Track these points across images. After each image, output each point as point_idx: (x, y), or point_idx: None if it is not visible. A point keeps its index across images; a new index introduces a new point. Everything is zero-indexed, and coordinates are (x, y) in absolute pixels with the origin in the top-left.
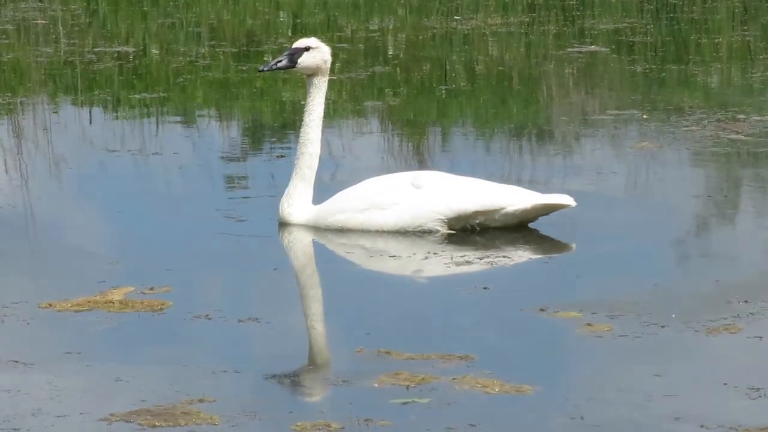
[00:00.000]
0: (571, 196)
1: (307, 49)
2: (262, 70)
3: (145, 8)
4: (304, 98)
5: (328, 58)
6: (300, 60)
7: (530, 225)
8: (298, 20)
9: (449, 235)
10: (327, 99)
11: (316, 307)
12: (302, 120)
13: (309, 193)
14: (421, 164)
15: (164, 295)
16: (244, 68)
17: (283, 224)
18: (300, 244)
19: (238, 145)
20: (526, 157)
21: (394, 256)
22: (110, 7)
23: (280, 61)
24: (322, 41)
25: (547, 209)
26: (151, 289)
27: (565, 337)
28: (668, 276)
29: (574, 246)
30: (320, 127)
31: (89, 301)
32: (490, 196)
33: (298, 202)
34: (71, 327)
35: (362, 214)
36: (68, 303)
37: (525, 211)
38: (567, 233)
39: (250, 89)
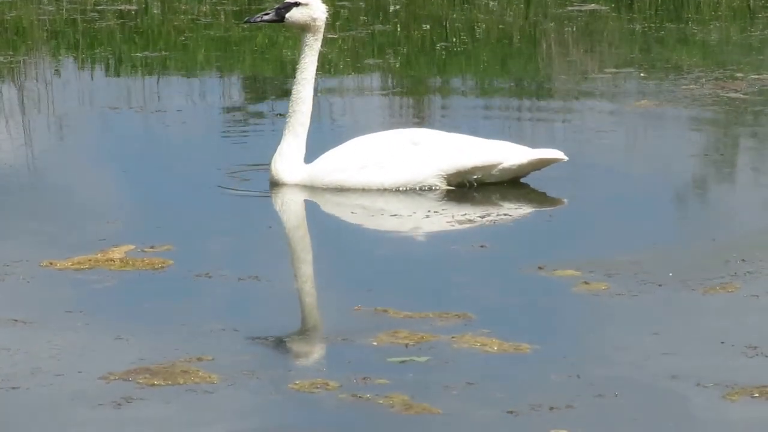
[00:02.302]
0: (570, 153)
1: (296, 4)
2: (248, 22)
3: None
4: None
5: (319, 15)
6: (288, 15)
7: (526, 180)
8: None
9: (448, 191)
10: (328, 57)
11: (314, 267)
12: (294, 78)
13: (301, 151)
14: (421, 122)
15: (165, 254)
16: (245, 26)
17: (276, 183)
18: (297, 203)
19: (239, 104)
20: (526, 115)
21: (394, 215)
22: None
23: (267, 14)
24: None
25: (541, 164)
26: (152, 247)
27: (563, 296)
28: (665, 234)
29: (572, 204)
30: (312, 85)
31: (90, 260)
32: (487, 152)
33: (290, 161)
34: (72, 285)
35: (361, 172)
36: (69, 261)
37: (521, 167)
38: (566, 191)
39: (251, 47)
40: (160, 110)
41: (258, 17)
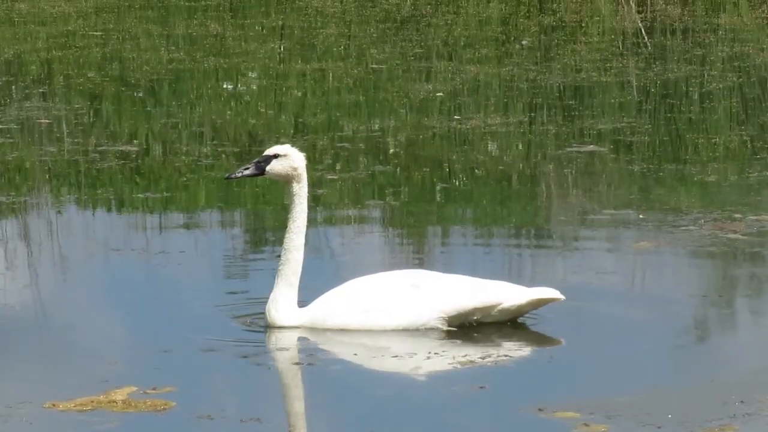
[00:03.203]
0: (569, 293)
1: (275, 156)
2: (229, 178)
3: (148, 108)
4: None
5: (298, 164)
6: (269, 168)
7: (525, 320)
8: (300, 120)
9: (448, 332)
10: (328, 196)
11: (315, 408)
12: (287, 227)
13: (294, 297)
14: (420, 262)
15: (167, 395)
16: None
17: (273, 328)
18: (297, 343)
19: (241, 246)
20: (525, 255)
21: (395, 356)
22: (113, 106)
23: (248, 168)
24: (297, 147)
25: (540, 303)
26: (154, 388)
27: None
28: (664, 375)
29: (571, 344)
30: (303, 233)
31: (92, 401)
32: (487, 293)
33: (284, 307)
34: (74, 428)
35: (363, 316)
36: (71, 403)
37: (520, 307)
38: (565, 331)
39: (252, 189)
40: (162, 251)
41: (238, 172)
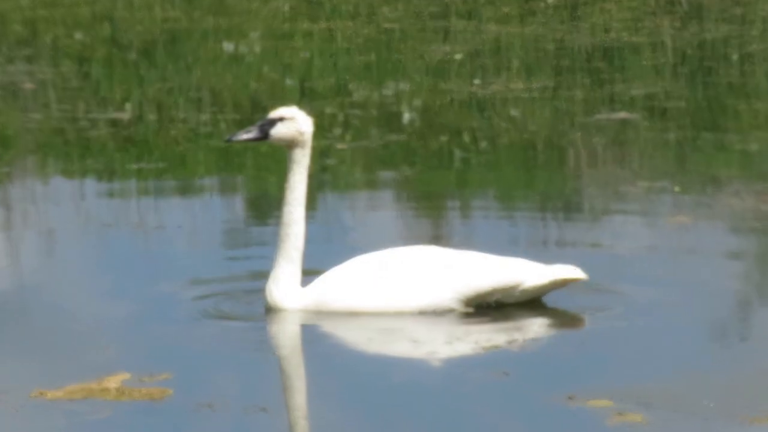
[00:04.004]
0: (599, 273)
1: (280, 119)
2: (230, 140)
3: (142, 72)
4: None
5: (305, 129)
6: (273, 131)
7: (550, 301)
8: (306, 84)
9: (466, 314)
10: (336, 168)
11: (326, 397)
12: (284, 198)
13: (298, 276)
14: (437, 239)
15: (164, 383)
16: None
17: (276, 309)
18: (302, 327)
19: (243, 220)
20: (551, 232)
21: (411, 340)
22: (104, 70)
23: (250, 131)
24: (304, 111)
25: (562, 283)
26: (150, 375)
27: (596, 429)
28: (704, 360)
29: (601, 327)
30: (304, 204)
31: (83, 389)
32: (507, 272)
33: (287, 287)
34: (64, 417)
35: (373, 297)
36: (61, 391)
37: (542, 287)
38: (594, 313)
39: (254, 158)
40: (158, 227)
41: (240, 135)
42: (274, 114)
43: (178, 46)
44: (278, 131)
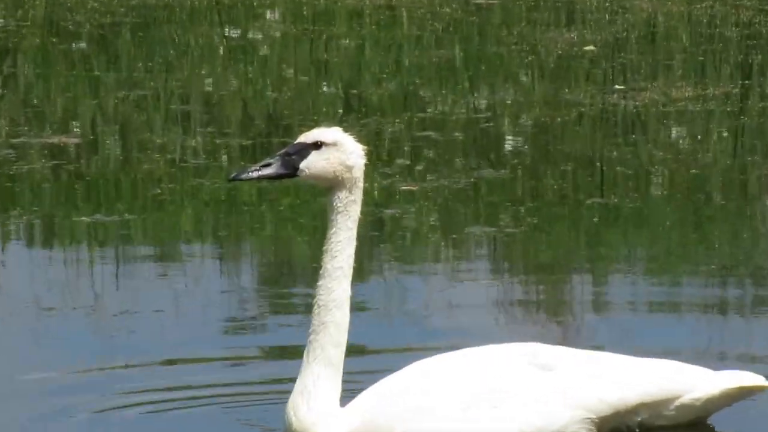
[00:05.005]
0: None
1: (316, 146)
2: (235, 179)
3: (96, 72)
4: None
5: (355, 162)
6: (305, 165)
7: (714, 421)
8: (353, 91)
9: None
10: (401, 220)
11: None
12: (322, 267)
13: (337, 387)
14: (557, 334)
15: None
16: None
17: None
18: None
19: (251, 303)
20: (729, 318)
21: None
22: (38, 69)
23: (268, 165)
24: (352, 134)
25: (740, 394)
26: None
27: None
28: None
29: None
30: (350, 278)
31: None
32: (659, 379)
33: (321, 404)
34: None
35: (461, 417)
36: None
37: (710, 400)
38: None
39: (271, 207)
40: (123, 312)
41: (251, 170)
42: (305, 137)
43: (152, 33)
44: (313, 164)
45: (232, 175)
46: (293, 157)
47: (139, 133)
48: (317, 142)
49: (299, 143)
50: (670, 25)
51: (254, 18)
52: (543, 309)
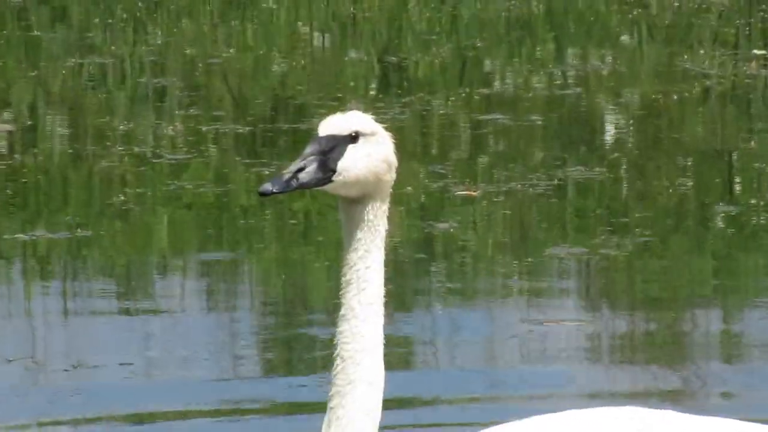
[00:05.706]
0: None
1: (353, 138)
2: (268, 194)
3: (36, 31)
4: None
5: (393, 159)
6: (342, 165)
7: None
8: (391, 60)
9: None
10: (456, 237)
11: None
12: (344, 304)
13: None
14: (674, 385)
15: None
16: (266, 171)
17: None
18: None
19: (243, 344)
20: None
21: None
22: None
23: (303, 168)
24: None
25: None
26: None
27: None
28: None
29: None
30: (382, 315)
31: None
32: None
33: None
34: None
35: None
36: None
37: None
38: None
39: (278, 216)
40: (75, 365)
41: (288, 178)
42: (332, 127)
43: None
44: (353, 164)
45: (265, 186)
46: (331, 155)
47: (95, 118)
48: (355, 132)
49: (332, 136)
50: None
51: None
52: (655, 355)
